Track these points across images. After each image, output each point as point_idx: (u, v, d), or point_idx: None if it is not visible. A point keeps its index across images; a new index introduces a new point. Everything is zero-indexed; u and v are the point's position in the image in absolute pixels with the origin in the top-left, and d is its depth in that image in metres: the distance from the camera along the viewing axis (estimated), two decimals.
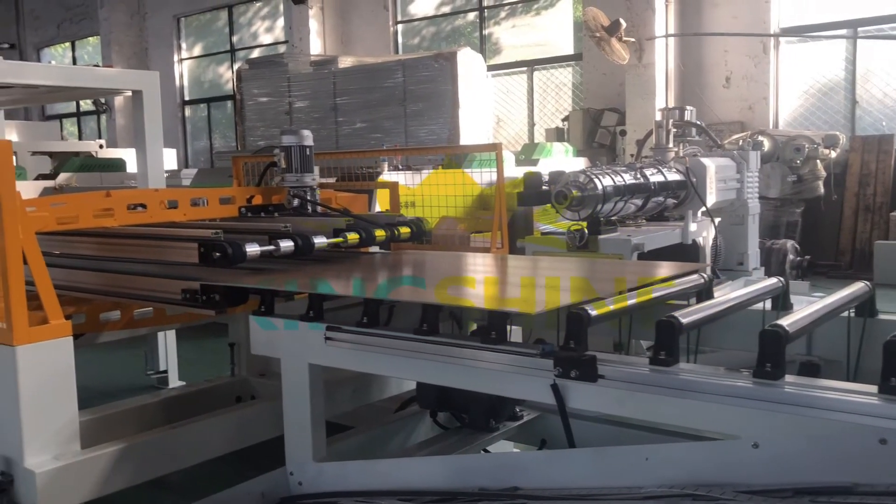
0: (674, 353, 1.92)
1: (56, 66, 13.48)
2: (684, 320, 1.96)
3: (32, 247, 2.44)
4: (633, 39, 10.34)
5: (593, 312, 2.06)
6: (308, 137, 3.82)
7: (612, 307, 2.21)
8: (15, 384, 2.38)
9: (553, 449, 2.92)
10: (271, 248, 2.89)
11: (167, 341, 5.50)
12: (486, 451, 3.02)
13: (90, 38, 19.13)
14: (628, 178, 5.53)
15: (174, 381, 5.52)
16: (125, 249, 3.10)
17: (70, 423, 2.53)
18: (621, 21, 10.15)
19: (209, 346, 6.15)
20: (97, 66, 11.66)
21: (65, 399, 2.51)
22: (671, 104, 10.32)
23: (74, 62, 19.33)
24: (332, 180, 6.63)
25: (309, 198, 3.71)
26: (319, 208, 3.78)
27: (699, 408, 1.81)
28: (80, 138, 17.41)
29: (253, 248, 2.82)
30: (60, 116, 19.58)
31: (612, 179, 5.40)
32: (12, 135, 10.06)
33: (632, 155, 8.90)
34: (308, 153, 3.77)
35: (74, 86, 4.88)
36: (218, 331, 5.21)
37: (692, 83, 10.67)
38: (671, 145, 6.20)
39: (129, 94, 5.17)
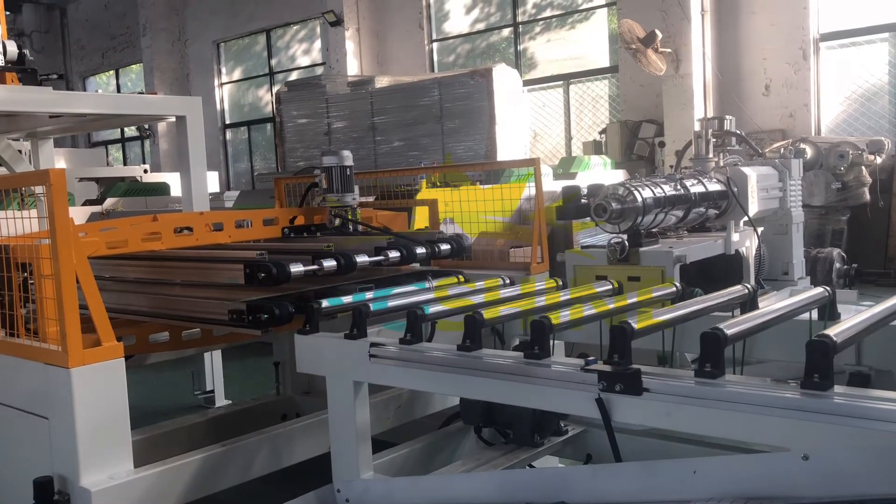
0: (719, 365, 1.90)
1: (104, 94, 13.84)
2: (729, 332, 1.95)
3: (85, 271, 2.52)
4: (669, 50, 10.29)
5: (636, 325, 2.06)
6: (348, 158, 3.87)
7: (655, 320, 2.21)
8: (71, 405, 2.45)
9: (599, 463, 2.90)
10: (315, 267, 2.94)
11: (213, 361, 5.59)
12: (531, 466, 3.02)
13: (133, 66, 19.62)
14: (668, 190, 5.49)
15: (220, 400, 5.60)
16: (173, 272, 3.18)
17: (123, 443, 2.59)
18: (657, 32, 10.12)
19: (254, 366, 6.23)
20: (141, 93, 11.95)
21: (118, 419, 2.57)
22: (710, 114, 10.23)
23: (118, 90, 19.84)
24: (371, 199, 6.69)
25: (350, 217, 3.76)
26: (360, 227, 3.83)
27: (747, 420, 1.80)
28: (124, 164, 17.81)
29: (297, 268, 2.87)
30: (106, 143, 20.07)
31: (652, 191, 5.37)
32: (60, 162, 10.33)
33: (671, 166, 8.84)
34: (348, 173, 3.82)
35: (121, 113, 5.03)
36: (262, 350, 5.28)
37: (730, 92, 10.57)
38: (711, 155, 6.15)
39: (173, 119, 5.30)
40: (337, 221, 3.79)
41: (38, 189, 3.62)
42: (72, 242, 2.46)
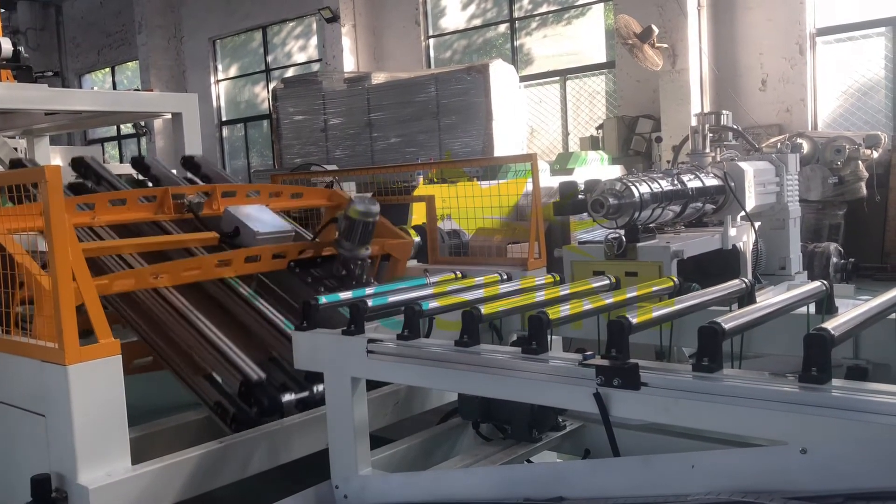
0: (717, 359, 1.90)
1: (99, 91, 13.81)
2: (727, 325, 1.95)
3: (82, 268, 2.51)
4: (665, 45, 10.28)
5: (634, 320, 2.06)
6: (375, 212, 3.72)
7: (652, 315, 2.21)
8: (68, 402, 2.44)
9: (597, 458, 2.90)
10: (305, 394, 3.14)
11: None
12: (529, 461, 3.02)
13: (129, 63, 19.56)
14: (665, 185, 5.50)
15: None
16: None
17: (121, 440, 2.58)
18: (653, 27, 10.11)
19: None
20: (137, 90, 11.93)
21: (115, 416, 2.56)
22: (706, 109, 10.23)
23: (114, 87, 19.78)
24: (368, 195, 6.69)
25: (357, 272, 3.72)
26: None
27: (745, 414, 1.80)
28: (121, 161, 17.77)
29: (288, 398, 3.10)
30: (102, 140, 20.03)
31: (649, 186, 5.37)
32: (56, 159, 10.30)
33: (668, 161, 8.83)
34: (370, 228, 3.71)
35: (118, 110, 5.02)
36: None
37: (727, 87, 10.57)
38: (708, 150, 6.15)
39: (169, 116, 5.30)
40: (343, 272, 3.74)
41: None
42: (68, 239, 2.45)
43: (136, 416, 3.01)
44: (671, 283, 2.82)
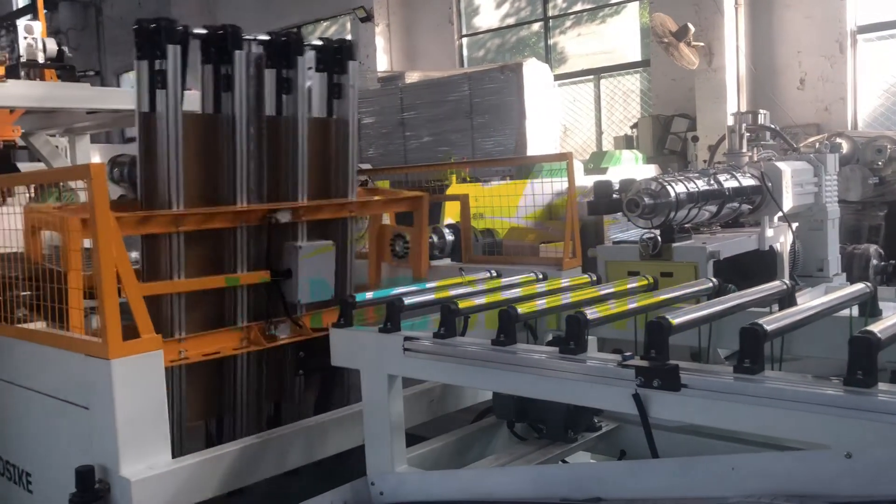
0: (759, 360, 1.88)
1: None
2: (769, 327, 1.93)
3: (126, 265, 2.55)
4: (702, 44, 10.18)
5: (674, 321, 2.04)
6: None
7: (692, 316, 2.19)
8: (111, 396, 2.49)
9: (634, 459, 2.89)
10: None
11: None
12: (564, 461, 3.01)
13: None
14: (701, 185, 5.44)
15: None
16: None
17: (161, 434, 2.62)
18: (689, 25, 10.01)
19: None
20: None
21: (156, 410, 2.61)
22: (743, 108, 10.10)
23: None
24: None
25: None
26: None
27: (787, 417, 1.78)
28: None
29: None
30: None
31: (685, 186, 5.32)
32: (96, 157, 10.47)
33: (704, 161, 8.74)
34: None
35: None
36: None
37: (764, 86, 10.43)
38: (745, 150, 6.08)
39: None
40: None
41: (75, 184, 3.70)
42: (112, 236, 2.50)
43: None
44: (709, 283, 2.79)
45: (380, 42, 14.07)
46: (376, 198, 4.13)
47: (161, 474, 2.56)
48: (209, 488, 2.73)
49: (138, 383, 2.55)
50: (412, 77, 11.71)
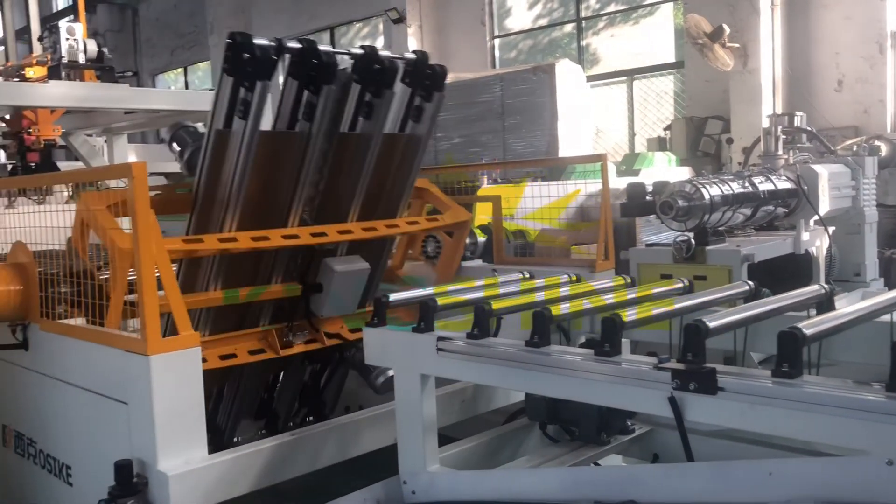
0: (797, 365, 1.86)
1: (177, 91, 14.20)
2: (808, 331, 1.90)
3: (165, 262, 2.60)
4: (737, 45, 10.07)
5: (711, 324, 2.03)
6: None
7: (729, 319, 2.17)
8: (149, 392, 2.53)
9: (667, 463, 2.87)
10: None
11: None
12: (596, 464, 3.00)
13: (200, 64, 20.07)
14: (736, 187, 5.39)
15: None
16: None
17: (198, 429, 2.66)
18: (724, 27, 9.91)
19: None
20: (211, 89, 12.25)
21: (193, 406, 2.64)
22: (779, 110, 9.97)
23: (186, 87, 20.32)
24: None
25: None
26: None
27: (827, 422, 1.76)
28: None
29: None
30: None
31: (720, 188, 5.28)
32: (132, 157, 10.64)
33: (739, 163, 8.65)
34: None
35: (194, 109, 5.16)
36: None
37: (801, 88, 10.29)
38: (780, 152, 6.02)
39: None
40: None
41: (113, 183, 3.76)
42: (152, 234, 2.54)
43: None
44: (746, 286, 2.77)
45: (412, 43, 14.12)
46: (422, 221, 3.98)
47: (197, 469, 2.60)
48: (243, 484, 2.77)
49: (176, 379, 2.58)
50: None
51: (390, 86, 3.30)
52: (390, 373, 3.52)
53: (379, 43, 16.05)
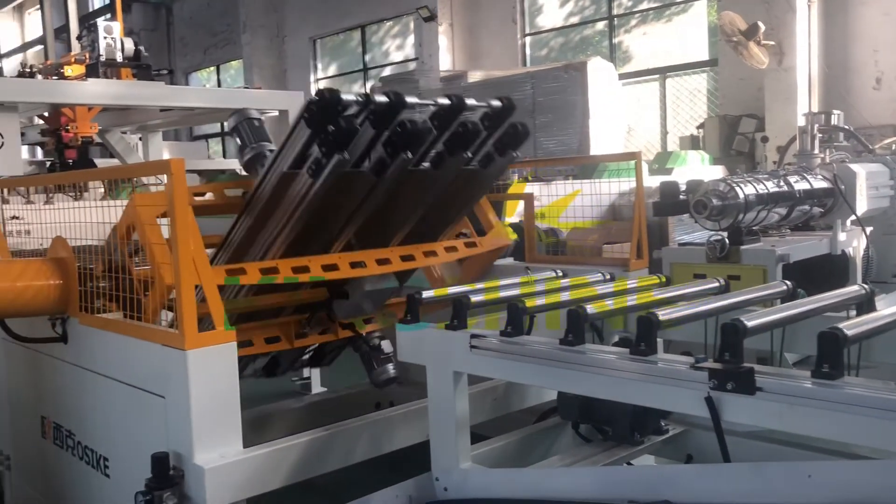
0: (838, 366, 1.84)
1: (212, 89, 14.35)
2: (849, 332, 1.88)
3: (202, 258, 2.63)
4: (772, 42, 9.94)
5: (749, 323, 2.01)
6: (252, 114, 3.56)
7: (767, 318, 2.15)
8: (186, 386, 2.56)
9: (701, 464, 2.85)
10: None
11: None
12: (629, 464, 2.98)
13: (233, 63, 20.26)
14: (771, 186, 5.34)
15: (317, 388, 5.74)
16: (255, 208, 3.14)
17: (233, 424, 2.68)
18: (760, 24, 9.79)
19: (349, 354, 6.34)
20: (247, 87, 12.39)
21: (229, 400, 2.66)
22: (815, 108, 9.83)
23: (219, 85, 20.53)
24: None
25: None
26: None
27: (868, 424, 1.73)
28: (224, 157, 18.40)
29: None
30: (206, 136, 20.80)
31: (755, 187, 5.23)
32: (166, 154, 10.79)
33: (774, 162, 8.54)
34: (257, 124, 3.54)
35: (229, 107, 5.22)
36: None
37: (838, 86, 10.13)
38: (817, 151, 5.94)
39: (275, 113, 5.48)
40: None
41: (147, 180, 3.81)
42: (189, 230, 2.57)
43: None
44: (784, 287, 2.73)
45: (443, 42, 14.14)
46: (460, 247, 3.85)
47: (232, 463, 2.62)
48: (277, 479, 2.79)
49: (212, 373, 2.61)
50: (475, 76, 11.71)
51: (466, 148, 3.20)
52: (392, 372, 3.61)
53: (409, 41, 16.08)
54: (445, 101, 3.03)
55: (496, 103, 3.23)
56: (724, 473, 2.09)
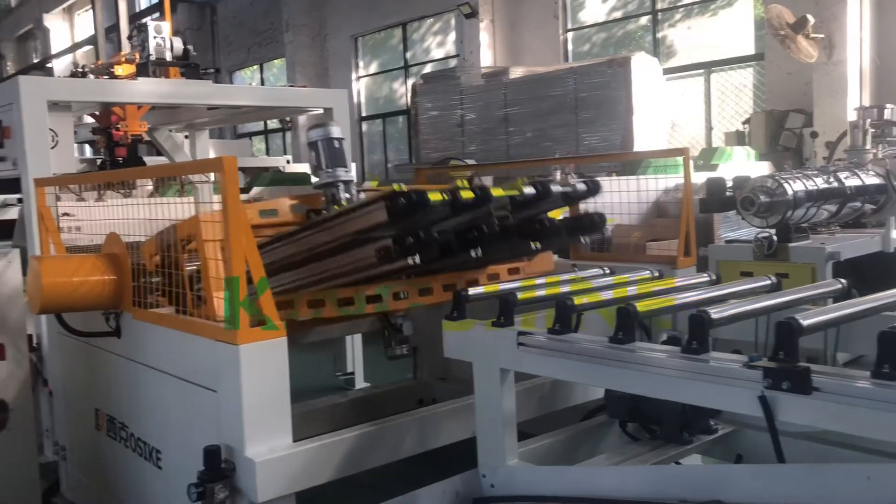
0: None
1: (258, 87, 14.52)
2: None
3: (254, 254, 2.66)
4: (821, 36, 9.73)
5: (804, 322, 1.98)
6: (334, 133, 3.62)
7: (823, 317, 2.11)
8: (238, 380, 2.60)
9: (753, 464, 2.81)
10: (451, 197, 2.87)
11: (354, 345, 5.78)
12: (677, 463, 2.96)
13: (275, 61, 20.47)
14: (820, 183, 5.24)
15: (360, 383, 5.80)
16: (316, 239, 3.23)
17: (283, 418, 2.72)
18: (808, 17, 9.58)
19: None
20: (292, 86, 12.51)
21: (280, 395, 2.70)
22: (866, 103, 9.59)
23: (262, 83, 20.76)
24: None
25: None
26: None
27: None
28: (267, 154, 18.60)
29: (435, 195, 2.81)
30: (250, 134, 21.05)
31: (803, 184, 5.14)
32: (211, 152, 10.96)
33: (824, 158, 8.37)
34: (336, 146, 3.59)
35: (275, 105, 5.28)
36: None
37: (891, 79, 9.87)
38: (869, 146, 5.81)
39: (319, 111, 5.53)
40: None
41: (196, 177, 3.87)
42: (242, 227, 2.61)
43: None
44: (838, 286, 2.69)
45: (484, 38, 14.11)
46: (502, 273, 3.85)
47: (283, 457, 2.66)
48: (326, 473, 2.82)
49: (263, 368, 2.65)
50: (516, 72, 11.67)
51: (537, 240, 3.25)
52: (405, 352, 3.73)
53: (451, 38, 16.08)
54: (531, 191, 3.13)
55: (581, 187, 3.38)
56: (781, 474, 2.06)
